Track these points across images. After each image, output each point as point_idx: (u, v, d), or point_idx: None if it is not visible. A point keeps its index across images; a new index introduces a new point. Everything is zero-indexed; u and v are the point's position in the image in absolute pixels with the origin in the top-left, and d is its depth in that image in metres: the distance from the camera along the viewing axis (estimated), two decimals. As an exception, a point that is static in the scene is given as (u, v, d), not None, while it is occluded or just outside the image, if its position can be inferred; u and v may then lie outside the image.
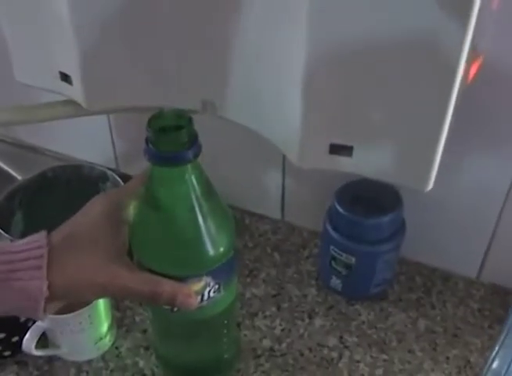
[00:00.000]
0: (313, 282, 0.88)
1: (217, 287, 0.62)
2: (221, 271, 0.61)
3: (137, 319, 0.83)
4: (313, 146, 0.59)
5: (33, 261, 0.54)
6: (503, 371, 0.68)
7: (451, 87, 0.51)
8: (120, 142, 1.03)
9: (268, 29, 0.57)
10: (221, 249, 0.59)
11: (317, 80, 0.55)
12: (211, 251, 0.59)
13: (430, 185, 0.59)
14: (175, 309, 0.61)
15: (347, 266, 0.80)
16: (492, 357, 0.70)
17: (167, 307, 0.61)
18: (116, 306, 0.84)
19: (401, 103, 0.55)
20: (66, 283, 0.55)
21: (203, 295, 0.61)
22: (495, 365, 0.70)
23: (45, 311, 0.55)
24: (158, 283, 0.57)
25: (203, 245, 0.58)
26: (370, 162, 0.59)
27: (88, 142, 1.04)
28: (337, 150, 0.59)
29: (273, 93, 0.61)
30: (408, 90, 0.53)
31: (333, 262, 0.82)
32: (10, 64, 0.77)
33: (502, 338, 0.69)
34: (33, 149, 1.13)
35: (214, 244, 0.58)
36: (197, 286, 0.60)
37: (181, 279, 0.58)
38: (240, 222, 0.98)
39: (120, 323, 0.82)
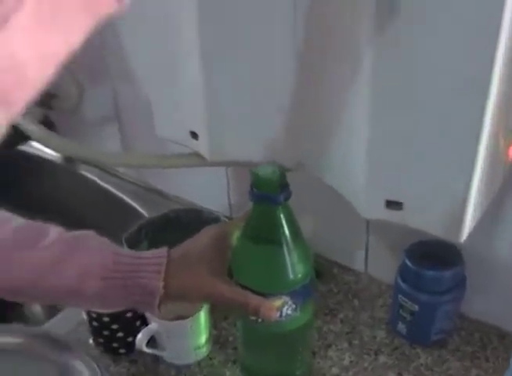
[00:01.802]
0: (383, 326, 1.01)
1: (294, 306, 0.77)
2: (298, 293, 0.77)
3: (230, 338, 0.99)
4: (373, 201, 0.75)
5: (155, 266, 0.72)
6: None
7: (473, 162, 0.66)
8: (234, 193, 1.20)
9: (342, 100, 0.74)
10: (299, 275, 0.75)
11: (377, 151, 0.72)
12: (291, 276, 0.75)
13: (462, 238, 0.72)
14: (259, 320, 0.77)
15: (411, 313, 0.93)
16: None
17: (253, 318, 0.77)
18: (214, 325, 0.99)
19: (432, 176, 0.70)
20: (178, 288, 0.72)
21: (281, 312, 0.77)
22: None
23: (159, 307, 0.72)
24: (247, 296, 0.73)
25: (285, 270, 0.74)
26: (415, 216, 0.73)
27: (207, 191, 1.22)
28: (391, 204, 0.74)
29: (345, 157, 0.77)
30: (444, 161, 0.68)
31: (400, 310, 0.95)
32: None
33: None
34: (159, 192, 1.33)
35: (293, 270, 0.74)
36: (277, 302, 0.76)
37: (265, 295, 0.74)
38: (329, 271, 1.12)
39: (216, 340, 0.98)
